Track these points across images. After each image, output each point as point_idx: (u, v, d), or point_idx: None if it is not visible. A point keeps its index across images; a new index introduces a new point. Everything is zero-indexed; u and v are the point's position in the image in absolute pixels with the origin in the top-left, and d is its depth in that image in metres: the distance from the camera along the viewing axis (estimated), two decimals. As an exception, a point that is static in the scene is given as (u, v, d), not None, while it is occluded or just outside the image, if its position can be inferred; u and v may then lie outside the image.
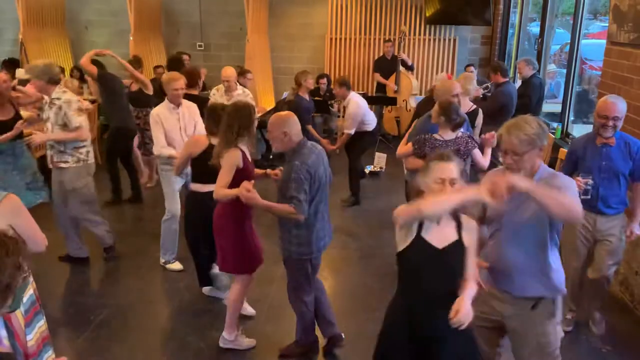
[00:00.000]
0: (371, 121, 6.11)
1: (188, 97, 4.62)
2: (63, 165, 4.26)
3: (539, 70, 6.38)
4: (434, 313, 2.23)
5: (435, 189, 2.22)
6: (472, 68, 7.77)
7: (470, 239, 2.28)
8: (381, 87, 8.49)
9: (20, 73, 7.36)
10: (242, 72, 6.56)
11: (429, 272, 2.24)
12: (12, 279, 1.40)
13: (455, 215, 2.29)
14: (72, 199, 4.38)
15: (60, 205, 4.46)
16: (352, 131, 5.95)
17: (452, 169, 2.22)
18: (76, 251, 4.63)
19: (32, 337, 2.42)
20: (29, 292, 2.48)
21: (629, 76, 4.08)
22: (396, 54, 8.33)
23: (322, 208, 3.11)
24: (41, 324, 2.52)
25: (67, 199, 4.40)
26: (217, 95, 5.90)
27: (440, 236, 2.26)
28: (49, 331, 2.61)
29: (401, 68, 8.23)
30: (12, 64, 8.28)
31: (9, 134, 4.14)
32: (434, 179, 2.23)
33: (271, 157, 7.32)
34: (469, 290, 2.20)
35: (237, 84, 5.96)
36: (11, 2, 8.63)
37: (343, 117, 8.06)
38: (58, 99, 4.15)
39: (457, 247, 2.26)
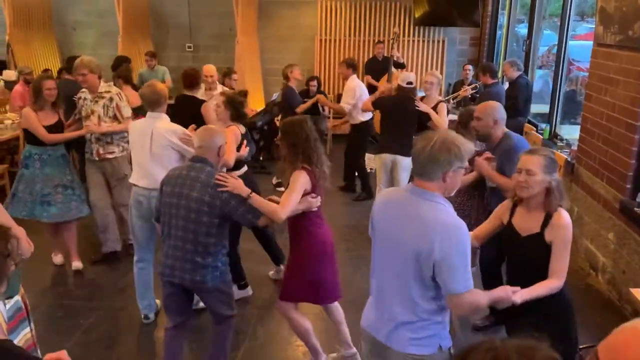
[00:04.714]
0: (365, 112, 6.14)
1: (187, 98, 4.58)
2: (109, 155, 4.40)
3: (526, 72, 6.44)
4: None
5: (515, 177, 2.41)
6: (469, 67, 7.77)
7: (554, 236, 2.33)
8: (373, 90, 8.49)
9: (7, 75, 7.30)
10: (227, 73, 6.53)
11: (511, 258, 2.37)
12: (1, 266, 1.38)
13: (548, 208, 2.36)
14: (120, 187, 4.50)
15: (102, 198, 4.53)
16: (348, 106, 6.06)
17: (529, 160, 2.36)
18: (113, 244, 4.69)
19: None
20: (16, 298, 2.43)
21: (615, 77, 4.13)
22: (387, 54, 8.35)
23: (168, 232, 2.86)
24: (26, 332, 2.47)
25: (112, 189, 4.55)
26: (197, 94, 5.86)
27: (526, 225, 2.41)
28: (35, 339, 2.56)
29: (393, 69, 8.24)
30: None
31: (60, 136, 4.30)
32: (516, 169, 2.40)
33: (261, 158, 7.31)
34: (536, 287, 2.25)
35: (217, 82, 5.90)
36: (-3, 3, 8.55)
37: (334, 117, 8.15)
38: (107, 92, 4.35)
39: (537, 240, 2.35)
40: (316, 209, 2.99)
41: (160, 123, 3.63)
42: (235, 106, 3.85)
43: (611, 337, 1.09)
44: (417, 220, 1.99)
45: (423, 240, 1.94)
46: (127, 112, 4.42)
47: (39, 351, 2.60)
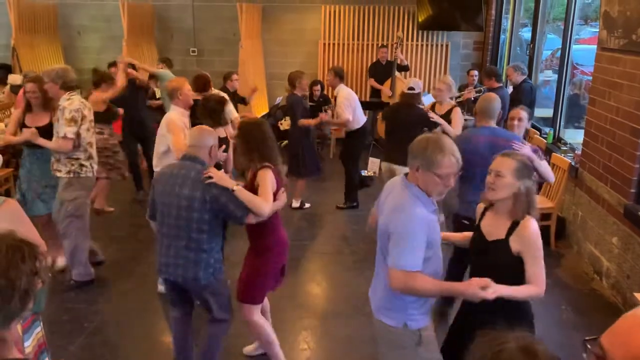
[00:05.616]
0: (359, 118, 6.02)
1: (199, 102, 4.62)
2: (58, 173, 4.12)
3: (530, 76, 6.44)
4: (478, 304, 2.20)
5: (487, 178, 2.35)
6: (475, 72, 7.75)
7: (521, 246, 2.23)
8: (376, 93, 8.52)
9: (13, 79, 7.34)
10: (227, 76, 6.54)
11: (475, 261, 2.39)
12: (29, 284, 1.37)
13: (514, 215, 2.27)
14: (61, 209, 4.12)
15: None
16: (350, 116, 5.84)
17: (501, 162, 2.31)
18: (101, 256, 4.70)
19: (29, 344, 2.43)
20: None
21: (618, 81, 4.12)
22: (390, 59, 8.37)
23: (162, 231, 2.91)
24: (38, 331, 2.53)
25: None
26: None
27: (492, 229, 2.35)
28: (45, 338, 2.60)
29: (397, 73, 8.25)
30: (4, 70, 8.24)
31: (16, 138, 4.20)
32: (488, 170, 2.35)
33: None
34: (516, 288, 2.16)
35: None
36: (3, 8, 8.60)
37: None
38: (59, 104, 4.02)
39: (501, 246, 2.26)
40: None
41: (168, 114, 4.10)
42: (208, 112, 4.03)
43: (615, 325, 1.13)
44: (391, 203, 2.26)
45: (387, 218, 2.22)
46: (63, 130, 3.93)
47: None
